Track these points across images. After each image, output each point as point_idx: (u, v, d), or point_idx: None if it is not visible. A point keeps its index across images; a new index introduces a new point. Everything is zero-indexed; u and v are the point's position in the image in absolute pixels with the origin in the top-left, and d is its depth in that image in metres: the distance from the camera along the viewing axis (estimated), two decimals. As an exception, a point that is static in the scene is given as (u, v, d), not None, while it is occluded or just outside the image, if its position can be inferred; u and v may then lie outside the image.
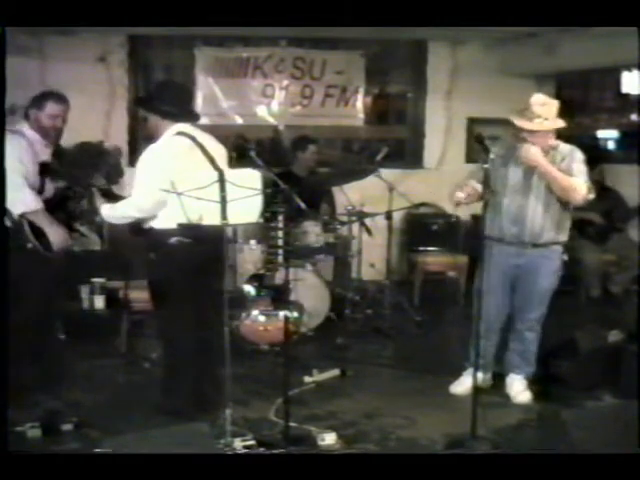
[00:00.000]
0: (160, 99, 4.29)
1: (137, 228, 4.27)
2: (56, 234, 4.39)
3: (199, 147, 4.16)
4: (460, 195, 4.46)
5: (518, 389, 4.73)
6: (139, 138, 7.69)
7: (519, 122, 4.41)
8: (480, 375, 4.58)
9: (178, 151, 4.12)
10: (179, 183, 3.65)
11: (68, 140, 5.20)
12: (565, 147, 4.52)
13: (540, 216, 4.48)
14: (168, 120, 4.22)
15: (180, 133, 4.19)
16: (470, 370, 4.60)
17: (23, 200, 4.27)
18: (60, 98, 4.50)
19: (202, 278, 4.19)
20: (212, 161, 4.14)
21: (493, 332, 4.70)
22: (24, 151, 4.32)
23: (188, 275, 4.16)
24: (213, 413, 4.10)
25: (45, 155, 4.48)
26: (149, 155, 4.16)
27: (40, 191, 4.39)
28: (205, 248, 4.03)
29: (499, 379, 4.86)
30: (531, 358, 4.74)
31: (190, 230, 3.89)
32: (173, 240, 4.07)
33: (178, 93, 4.41)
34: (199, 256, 4.11)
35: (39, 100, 4.45)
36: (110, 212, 4.26)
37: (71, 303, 5.88)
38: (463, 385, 4.74)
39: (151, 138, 4.31)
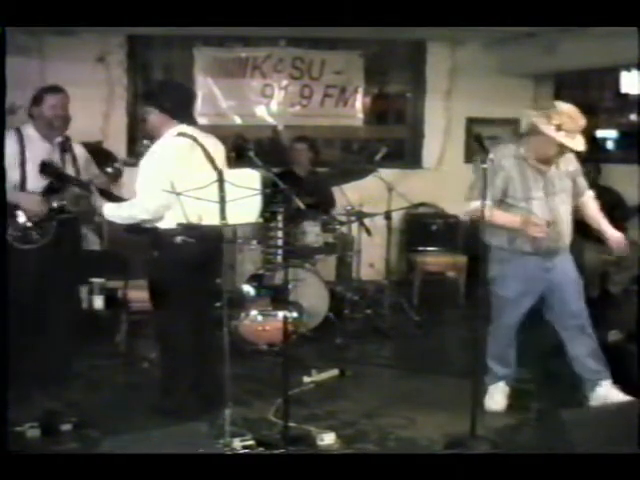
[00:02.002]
0: (166, 95, 4.31)
1: (136, 227, 4.27)
2: (27, 200, 4.44)
3: (201, 148, 4.17)
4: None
5: (612, 394, 4.39)
6: (138, 138, 7.69)
7: (563, 139, 4.10)
8: (504, 386, 4.62)
9: (182, 153, 4.12)
10: (184, 184, 3.65)
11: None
12: None
13: (568, 224, 4.39)
14: (171, 118, 4.23)
15: (181, 134, 4.19)
16: (496, 385, 4.60)
17: None
18: (56, 89, 4.61)
19: (205, 277, 4.19)
20: (212, 162, 4.14)
21: (512, 340, 4.56)
22: (10, 145, 4.40)
23: (192, 274, 4.16)
24: (215, 412, 4.09)
25: (44, 152, 4.55)
26: (154, 157, 4.15)
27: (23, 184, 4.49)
28: (209, 247, 4.04)
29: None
30: (601, 355, 4.47)
31: (195, 229, 3.88)
32: (178, 239, 4.06)
33: (183, 93, 4.46)
34: (203, 255, 4.11)
35: (37, 96, 4.58)
36: (114, 212, 4.25)
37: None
38: (497, 400, 4.59)
39: (150, 138, 4.31)
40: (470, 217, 4.48)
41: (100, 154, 5.14)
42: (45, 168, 4.41)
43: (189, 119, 4.31)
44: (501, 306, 4.49)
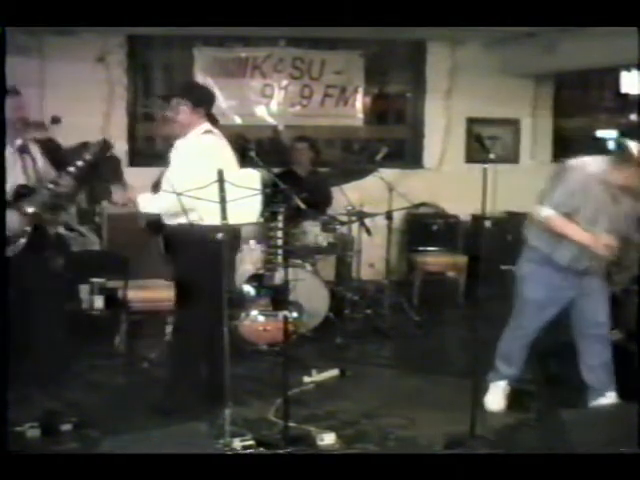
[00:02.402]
0: (199, 91, 4.53)
1: (157, 225, 4.26)
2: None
3: (226, 145, 4.31)
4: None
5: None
6: (139, 138, 7.70)
7: None
8: (505, 386, 4.61)
9: (212, 151, 4.20)
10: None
11: (67, 140, 5.21)
12: None
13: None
14: (203, 114, 4.31)
15: (208, 131, 4.30)
16: (498, 383, 4.59)
17: None
18: (13, 91, 4.45)
19: (223, 276, 4.19)
20: (235, 160, 4.29)
21: (526, 345, 4.53)
22: None
23: (220, 272, 4.14)
24: (215, 412, 4.07)
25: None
26: (182, 153, 4.21)
27: None
28: (232, 246, 4.04)
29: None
30: (611, 368, 4.46)
31: (228, 228, 3.86)
32: (219, 236, 4.03)
33: (211, 92, 4.68)
34: (229, 254, 4.09)
35: None
36: (152, 202, 4.25)
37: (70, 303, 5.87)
38: (497, 400, 4.59)
39: (170, 136, 4.42)
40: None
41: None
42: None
43: (213, 118, 4.41)
44: (523, 307, 4.45)
